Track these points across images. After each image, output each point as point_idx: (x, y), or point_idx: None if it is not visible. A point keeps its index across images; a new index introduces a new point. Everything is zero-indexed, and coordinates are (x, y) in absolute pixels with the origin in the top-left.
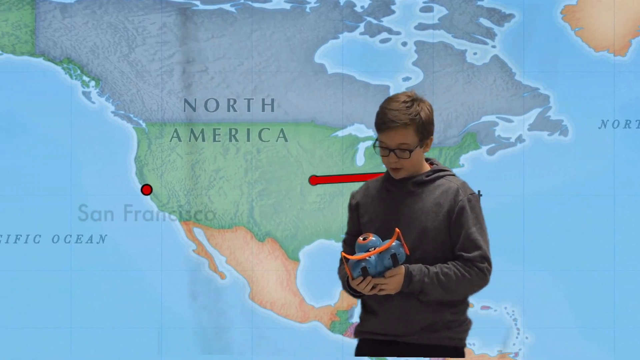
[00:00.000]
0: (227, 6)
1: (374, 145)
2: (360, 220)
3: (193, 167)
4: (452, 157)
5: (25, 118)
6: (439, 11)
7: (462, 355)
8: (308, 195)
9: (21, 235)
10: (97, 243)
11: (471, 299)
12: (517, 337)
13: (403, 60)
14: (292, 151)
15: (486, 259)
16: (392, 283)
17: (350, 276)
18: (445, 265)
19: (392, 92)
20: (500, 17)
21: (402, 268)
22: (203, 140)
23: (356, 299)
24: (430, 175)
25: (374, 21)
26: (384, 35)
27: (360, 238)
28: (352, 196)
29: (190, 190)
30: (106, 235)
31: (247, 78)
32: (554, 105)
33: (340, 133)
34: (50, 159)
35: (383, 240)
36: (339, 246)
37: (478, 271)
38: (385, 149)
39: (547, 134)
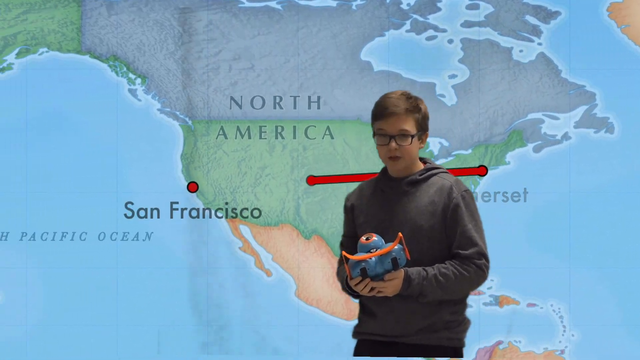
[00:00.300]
0: (273, 3)
1: (373, 136)
2: (355, 222)
3: (239, 165)
4: (498, 155)
5: (71, 116)
6: (485, 8)
7: (461, 356)
8: None
9: (67, 233)
10: (143, 240)
11: (517, 297)
12: (563, 335)
13: (449, 57)
14: (338, 148)
15: (483, 255)
16: (390, 286)
17: (349, 275)
18: (443, 265)
19: (438, 90)
20: (547, 15)
21: (402, 272)
22: (249, 137)
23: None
24: (424, 173)
25: (420, 19)
26: (430, 32)
27: (363, 238)
28: (347, 198)
29: (237, 188)
30: (152, 232)
31: (293, 75)
32: (600, 102)
33: None
34: (97, 156)
35: (386, 242)
36: None
37: (476, 268)
38: (385, 137)
39: (593, 132)
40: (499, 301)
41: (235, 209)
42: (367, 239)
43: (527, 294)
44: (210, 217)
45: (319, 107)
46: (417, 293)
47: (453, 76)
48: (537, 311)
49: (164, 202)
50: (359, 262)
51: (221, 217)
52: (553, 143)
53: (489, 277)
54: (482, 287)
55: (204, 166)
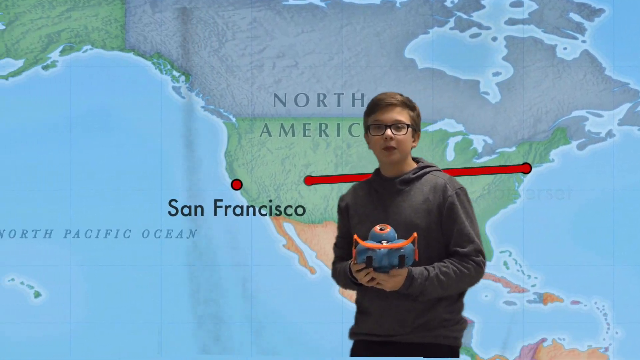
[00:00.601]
0: (317, 1)
1: (366, 132)
2: (350, 222)
3: (283, 162)
4: (542, 152)
5: (115, 113)
6: (529, 6)
7: (457, 355)
8: None
9: (111, 230)
10: (187, 238)
11: (561, 294)
12: (607, 332)
13: (493, 55)
14: None
15: (480, 252)
16: (392, 282)
17: (354, 259)
18: (443, 264)
19: (482, 88)
20: (590, 12)
21: (406, 270)
22: (293, 135)
23: (351, 290)
24: (417, 172)
25: (464, 16)
26: (474, 30)
27: (377, 227)
28: (341, 199)
29: (280, 185)
30: (196, 230)
31: (337, 73)
32: None
33: (430, 128)
34: (141, 154)
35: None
36: None
37: (475, 265)
38: (380, 128)
39: (637, 129)
40: (543, 299)
41: (279, 207)
42: (381, 229)
43: (571, 292)
44: (254, 214)
45: (362, 105)
46: (417, 292)
47: (497, 74)
48: (581, 309)
49: (208, 200)
50: (367, 250)
51: (265, 215)
52: (597, 140)
53: (531, 275)
54: (526, 285)
55: (248, 164)
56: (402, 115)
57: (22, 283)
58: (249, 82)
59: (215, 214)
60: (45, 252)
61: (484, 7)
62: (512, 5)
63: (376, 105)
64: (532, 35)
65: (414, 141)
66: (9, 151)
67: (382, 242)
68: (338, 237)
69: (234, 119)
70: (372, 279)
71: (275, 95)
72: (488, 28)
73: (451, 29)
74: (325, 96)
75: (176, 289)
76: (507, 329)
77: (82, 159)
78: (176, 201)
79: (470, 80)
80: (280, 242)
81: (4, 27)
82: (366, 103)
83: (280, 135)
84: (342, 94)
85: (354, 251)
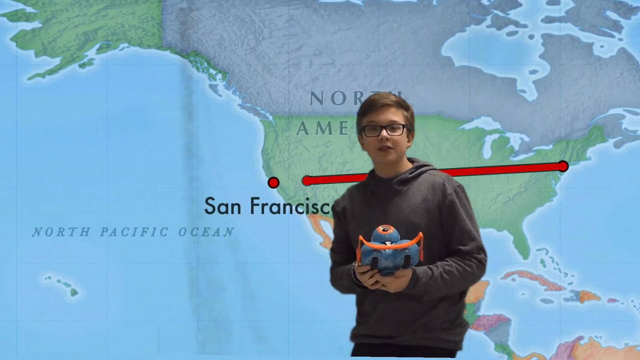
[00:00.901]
0: None
1: (359, 133)
2: (348, 226)
3: (320, 160)
4: (578, 150)
5: (152, 111)
6: (566, 4)
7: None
8: None
9: (148, 228)
10: (224, 236)
11: (597, 292)
12: None
13: (530, 53)
14: (419, 144)
15: (482, 249)
16: (396, 283)
17: (358, 261)
18: (447, 263)
19: (519, 86)
20: (627, 10)
21: (411, 271)
22: (330, 133)
23: (349, 293)
24: (414, 171)
25: (501, 14)
26: (511, 28)
27: (380, 228)
28: (337, 203)
29: (317, 183)
30: (233, 228)
31: (373, 71)
32: None
33: (467, 126)
34: (178, 152)
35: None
36: None
37: (478, 263)
38: (375, 128)
39: None
40: (579, 297)
41: (316, 205)
42: (384, 230)
43: (608, 290)
44: (291, 212)
45: None
46: (422, 293)
47: (534, 72)
48: (617, 307)
49: (245, 198)
50: (372, 251)
51: (302, 213)
52: (634, 138)
53: (568, 273)
54: (563, 283)
55: (285, 161)
56: (396, 116)
57: (58, 281)
58: (285, 80)
59: (252, 212)
60: (82, 250)
61: (520, 5)
62: (548, 3)
63: (370, 106)
64: (568, 33)
65: (408, 141)
66: (46, 149)
67: (387, 242)
68: (335, 242)
69: (270, 117)
70: (377, 281)
71: (312, 93)
72: (525, 26)
73: (488, 26)
74: (362, 94)
75: (213, 287)
76: (544, 327)
77: (119, 157)
78: (213, 199)
79: (507, 78)
80: (317, 240)
81: (40, 25)
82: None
83: (317, 133)
84: (379, 91)
85: (358, 252)
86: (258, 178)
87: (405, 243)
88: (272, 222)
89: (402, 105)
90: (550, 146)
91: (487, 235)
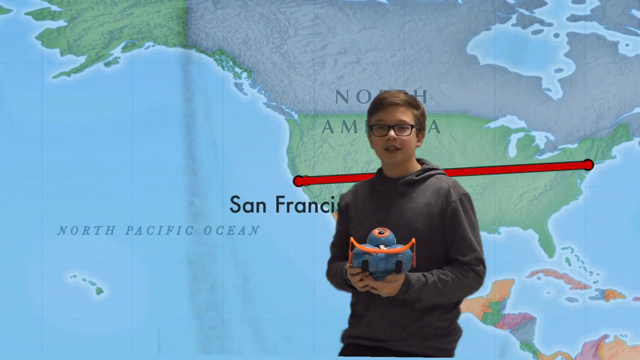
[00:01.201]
0: None
1: (369, 131)
2: (350, 223)
3: (345, 159)
4: (604, 149)
5: (177, 110)
6: (591, 2)
7: None
8: None
9: (173, 227)
10: (249, 234)
11: (623, 291)
12: None
13: (555, 51)
14: (444, 142)
15: (481, 261)
16: (388, 287)
17: (349, 263)
18: (442, 271)
19: (544, 84)
20: None
21: (403, 275)
22: (355, 131)
23: (344, 291)
24: (421, 174)
25: (526, 12)
26: (536, 26)
27: (376, 231)
28: (341, 198)
29: (343, 182)
30: (258, 226)
31: (399, 69)
32: None
33: (492, 124)
34: (203, 150)
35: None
36: (491, 238)
37: (475, 275)
38: (383, 128)
39: None
40: (605, 295)
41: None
42: (380, 232)
43: (633, 288)
44: (316, 211)
45: (425, 101)
46: (414, 299)
47: (559, 70)
48: None
49: (270, 196)
50: (363, 253)
51: (327, 212)
52: None
53: (593, 271)
54: (588, 282)
55: (310, 160)
56: (406, 115)
57: (84, 280)
58: (311, 78)
59: (278, 211)
60: (107, 248)
61: (546, 3)
62: (574, 2)
63: (379, 105)
64: (594, 32)
65: (418, 141)
66: (71, 148)
67: (380, 246)
68: (335, 237)
69: (296, 116)
70: (367, 284)
71: (338, 92)
72: (550, 25)
73: (513, 25)
74: None
75: (238, 285)
76: (569, 325)
77: (144, 156)
78: (238, 197)
79: (533, 76)
80: None
81: (66, 23)
82: (429, 100)
83: (342, 132)
84: (405, 90)
85: (350, 254)
86: (283, 176)
87: (398, 248)
88: (297, 220)
89: (412, 104)
90: (576, 145)
91: (513, 234)
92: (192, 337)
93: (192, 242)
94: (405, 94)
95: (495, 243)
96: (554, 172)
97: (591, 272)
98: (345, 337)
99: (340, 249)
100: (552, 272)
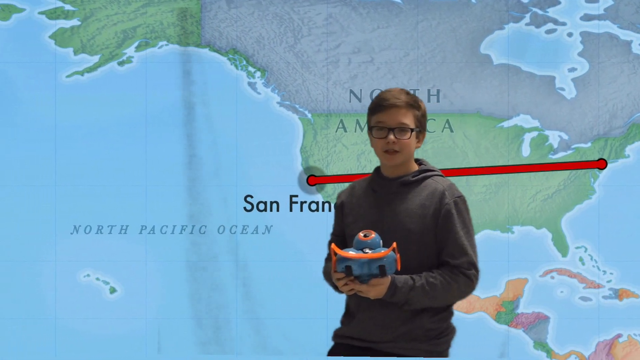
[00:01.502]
0: None
1: (369, 131)
2: (344, 221)
3: (359, 158)
4: (617, 148)
5: (190, 109)
6: (605, 2)
7: None
8: (474, 186)
9: (186, 226)
10: (263, 234)
11: (636, 290)
12: None
13: (569, 51)
14: (457, 142)
15: (473, 265)
16: (374, 291)
17: (333, 268)
18: (431, 274)
19: (557, 84)
20: None
21: (388, 278)
22: None
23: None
24: (417, 175)
25: (540, 12)
26: (550, 26)
27: (361, 234)
28: (338, 196)
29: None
30: (272, 225)
31: (412, 69)
32: None
33: (505, 124)
34: (216, 150)
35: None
36: (504, 237)
37: (465, 279)
38: (383, 130)
39: None
40: (618, 294)
41: None
42: (365, 235)
43: None
44: (329, 210)
45: (438, 101)
46: (402, 302)
47: (572, 69)
48: None
49: (284, 196)
50: (346, 259)
51: None
52: None
53: (607, 271)
54: (602, 281)
55: (324, 159)
56: (406, 118)
57: (97, 279)
58: (324, 78)
59: (291, 210)
60: (121, 248)
61: (559, 2)
62: (587, 1)
63: (380, 106)
64: (607, 31)
65: (418, 142)
66: (85, 147)
67: (365, 249)
68: (332, 235)
69: (309, 115)
70: (353, 288)
71: (351, 91)
72: (564, 24)
73: (527, 24)
74: None
75: (252, 284)
76: (583, 324)
77: (157, 155)
78: (252, 197)
79: (546, 76)
80: None
81: (79, 23)
82: (442, 99)
83: (355, 131)
84: (418, 89)
85: (333, 259)
86: (297, 176)
87: (380, 253)
88: (310, 220)
89: (413, 105)
90: (589, 144)
91: (526, 233)
92: (212, 333)
93: (205, 241)
94: (407, 93)
95: (509, 242)
96: (568, 172)
97: (604, 272)
98: (336, 336)
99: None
100: (565, 272)
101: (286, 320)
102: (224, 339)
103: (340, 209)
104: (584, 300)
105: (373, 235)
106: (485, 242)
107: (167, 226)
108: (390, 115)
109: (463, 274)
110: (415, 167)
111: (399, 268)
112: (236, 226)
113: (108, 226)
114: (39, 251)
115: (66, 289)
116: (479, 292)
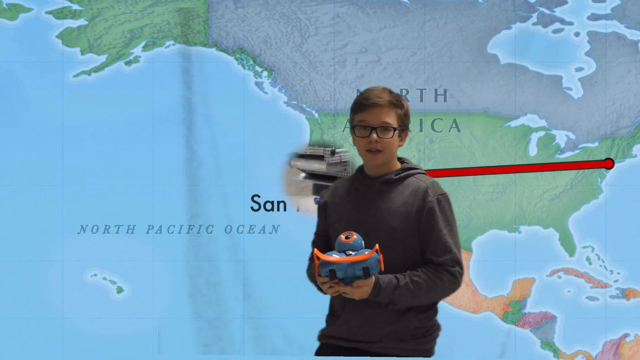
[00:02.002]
0: None
1: (352, 131)
2: (328, 220)
3: None
4: (624, 147)
5: (197, 109)
6: (612, 1)
7: None
8: (481, 186)
9: (193, 226)
10: (270, 233)
11: None
12: None
13: (576, 50)
14: (464, 141)
15: (457, 262)
16: (358, 292)
17: (317, 272)
18: (415, 272)
19: (564, 83)
20: None
21: (372, 279)
22: None
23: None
24: (400, 173)
25: (547, 11)
26: (557, 25)
27: (343, 236)
28: (321, 195)
29: None
30: (279, 225)
31: (419, 68)
32: None
33: (512, 123)
34: (223, 149)
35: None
36: (512, 237)
37: (450, 276)
38: (365, 129)
39: None
40: (625, 294)
41: None
42: (347, 237)
43: None
44: None
45: (445, 100)
46: (386, 301)
47: (580, 69)
48: None
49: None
50: (329, 263)
51: None
52: None
53: (614, 270)
54: (609, 281)
55: None
56: (389, 117)
57: (104, 278)
58: (331, 77)
59: (298, 210)
60: (128, 247)
61: (566, 2)
62: (594, 0)
63: (362, 105)
64: (614, 31)
65: (401, 140)
66: (92, 146)
67: (348, 251)
68: (315, 235)
69: (316, 115)
70: (337, 290)
71: (358, 91)
72: (571, 23)
73: (534, 24)
74: (407, 91)
75: (259, 284)
76: (590, 324)
77: (165, 155)
78: (259, 196)
79: (553, 75)
80: None
81: (87, 22)
82: (449, 98)
83: None
84: (425, 89)
85: (316, 263)
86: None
87: (362, 255)
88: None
89: (395, 104)
90: (596, 143)
91: (533, 233)
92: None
93: (212, 240)
94: (390, 92)
95: (516, 242)
96: (575, 171)
97: (612, 271)
98: (321, 336)
99: (319, 247)
100: (572, 271)
101: (288, 319)
102: (226, 338)
103: (324, 209)
104: (591, 300)
105: (355, 236)
106: (493, 241)
107: (174, 226)
108: (373, 114)
109: (447, 272)
110: (398, 166)
111: (382, 269)
112: (243, 226)
113: (115, 226)
114: (46, 251)
115: (73, 288)
116: (486, 291)
